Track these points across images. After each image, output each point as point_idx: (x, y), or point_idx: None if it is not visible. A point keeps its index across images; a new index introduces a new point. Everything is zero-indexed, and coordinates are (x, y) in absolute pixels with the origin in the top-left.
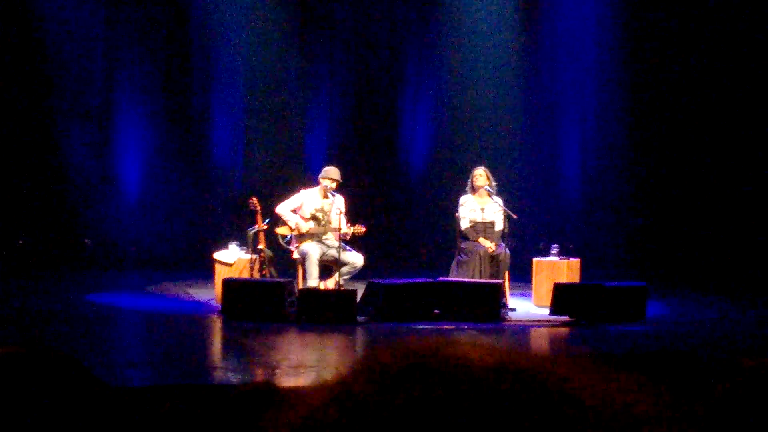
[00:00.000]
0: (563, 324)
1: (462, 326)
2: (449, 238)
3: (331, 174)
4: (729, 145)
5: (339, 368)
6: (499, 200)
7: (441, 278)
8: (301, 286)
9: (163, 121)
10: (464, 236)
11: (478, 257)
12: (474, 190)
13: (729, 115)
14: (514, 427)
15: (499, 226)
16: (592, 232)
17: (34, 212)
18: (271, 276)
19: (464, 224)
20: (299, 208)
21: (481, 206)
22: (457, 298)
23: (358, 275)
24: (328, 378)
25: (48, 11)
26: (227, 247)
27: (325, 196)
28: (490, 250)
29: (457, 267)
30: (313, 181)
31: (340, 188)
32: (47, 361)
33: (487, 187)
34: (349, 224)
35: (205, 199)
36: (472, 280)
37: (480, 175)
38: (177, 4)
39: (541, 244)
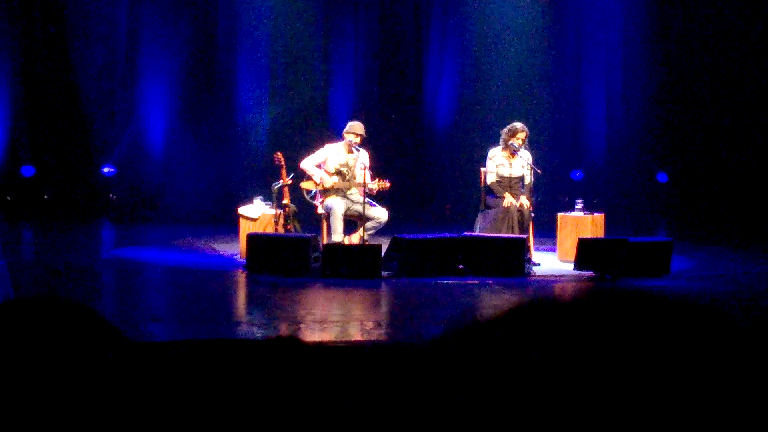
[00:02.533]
0: (587, 279)
1: (486, 281)
2: (474, 193)
3: (355, 129)
4: (755, 101)
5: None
6: (527, 154)
7: (465, 233)
8: (325, 241)
9: (188, 78)
10: (489, 190)
11: (503, 212)
12: (507, 147)
13: (756, 71)
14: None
15: (527, 180)
16: (617, 188)
17: (62, 168)
18: (296, 231)
19: (490, 178)
20: (324, 162)
21: (509, 161)
22: (481, 253)
23: (382, 230)
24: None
25: None
26: (252, 202)
27: (350, 151)
28: (513, 206)
29: (482, 221)
30: (338, 136)
31: (365, 143)
32: (59, 309)
33: (519, 148)
34: (373, 179)
35: (230, 155)
36: (497, 234)
37: (520, 138)
38: None
39: (566, 198)
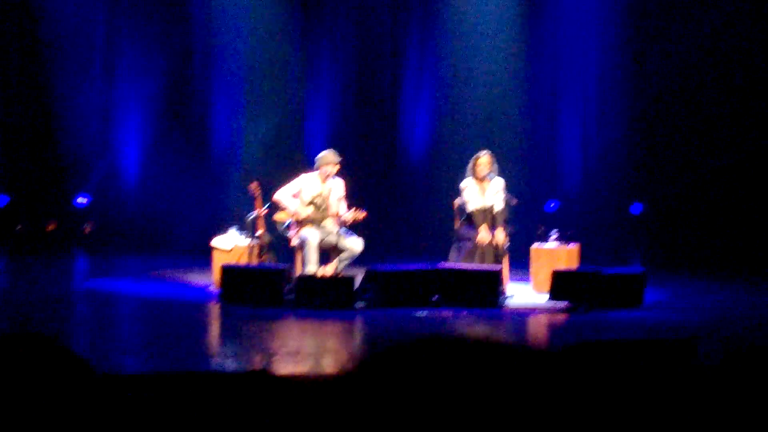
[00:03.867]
0: (561, 310)
1: (460, 312)
2: (449, 224)
3: (330, 158)
4: (728, 130)
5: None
6: (500, 181)
7: (439, 264)
8: (299, 272)
9: (163, 107)
10: (468, 219)
11: (476, 246)
12: (476, 176)
13: (728, 100)
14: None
15: (498, 207)
16: (592, 219)
17: (34, 198)
18: (270, 262)
19: (470, 207)
20: (298, 193)
21: (482, 190)
22: (455, 284)
23: (356, 261)
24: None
25: None
26: (226, 233)
27: (325, 182)
28: (485, 243)
29: (456, 253)
30: (313, 167)
31: (340, 173)
32: (27, 344)
33: (490, 175)
34: (348, 209)
35: (205, 185)
36: (471, 266)
37: (483, 163)
38: None
39: (541, 227)
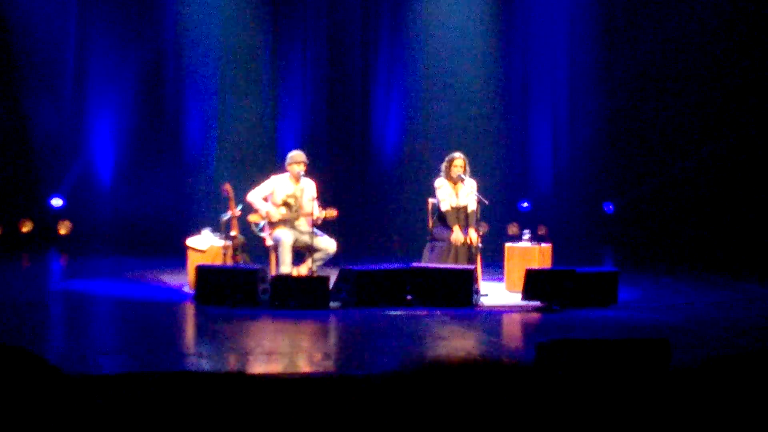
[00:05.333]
0: (535, 309)
1: (434, 312)
2: (422, 224)
3: (298, 158)
4: (699, 129)
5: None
6: (472, 183)
7: (413, 264)
8: (274, 273)
9: (135, 109)
10: (441, 218)
11: (451, 243)
12: (450, 177)
13: (699, 99)
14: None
15: (471, 207)
16: (564, 218)
17: (8, 200)
18: (244, 262)
19: (444, 206)
20: (271, 194)
21: (455, 190)
22: (429, 283)
23: (330, 261)
24: None
25: None
26: (200, 234)
27: (297, 182)
28: (459, 243)
29: (430, 252)
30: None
31: (310, 173)
32: None
33: (461, 174)
34: (321, 209)
35: (178, 186)
36: (444, 265)
37: (459, 165)
38: None
39: (512, 226)
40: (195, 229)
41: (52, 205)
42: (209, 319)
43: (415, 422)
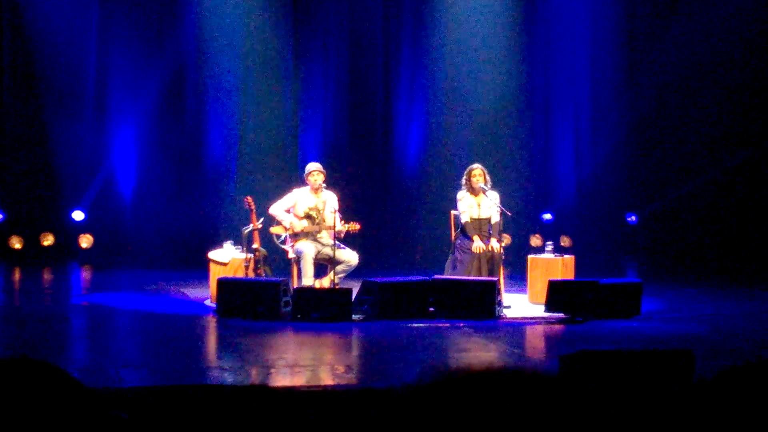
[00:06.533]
0: (558, 321)
1: (457, 324)
2: (444, 236)
3: (314, 168)
4: (725, 139)
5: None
6: (495, 195)
7: (436, 276)
8: (296, 285)
9: (156, 122)
10: (463, 231)
11: (473, 255)
12: (471, 188)
13: (723, 110)
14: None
15: (495, 219)
16: (587, 230)
17: (30, 214)
18: (266, 275)
19: (464, 218)
20: (293, 207)
21: (477, 202)
22: (451, 295)
23: (353, 273)
24: None
25: (40, 7)
26: (222, 247)
27: (318, 194)
28: (481, 251)
29: (453, 265)
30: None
31: (333, 185)
32: (20, 368)
33: (482, 185)
34: (343, 222)
35: (201, 199)
36: (467, 277)
37: (478, 175)
38: (171, 3)
39: (535, 238)
40: (217, 242)
41: (73, 219)
42: (231, 332)
43: None
